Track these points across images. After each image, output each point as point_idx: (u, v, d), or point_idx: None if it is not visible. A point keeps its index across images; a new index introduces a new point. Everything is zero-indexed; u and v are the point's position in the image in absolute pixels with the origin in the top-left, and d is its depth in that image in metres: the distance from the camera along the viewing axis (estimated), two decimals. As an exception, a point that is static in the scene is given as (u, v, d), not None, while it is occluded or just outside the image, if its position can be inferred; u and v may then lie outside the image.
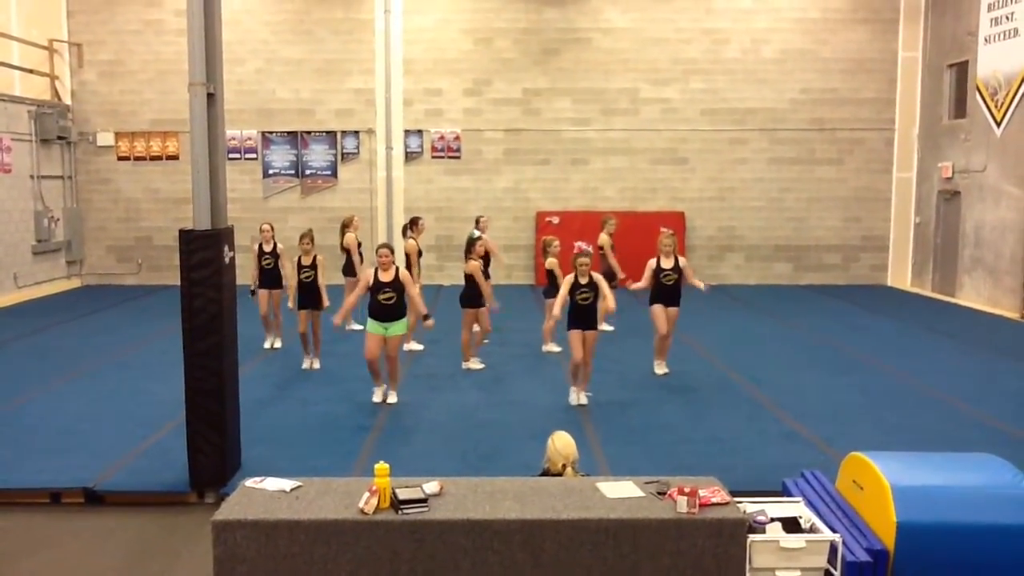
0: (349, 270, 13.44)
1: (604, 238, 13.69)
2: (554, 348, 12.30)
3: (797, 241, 20.28)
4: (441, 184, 20.03)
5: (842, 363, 11.98)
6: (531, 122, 19.90)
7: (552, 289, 11.95)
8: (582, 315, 9.55)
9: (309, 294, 11.28)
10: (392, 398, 9.76)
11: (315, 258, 11.33)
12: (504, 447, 8.30)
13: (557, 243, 12.19)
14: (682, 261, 10.92)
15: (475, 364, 11.45)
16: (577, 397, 9.69)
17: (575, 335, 9.53)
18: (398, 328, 9.58)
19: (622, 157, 20.00)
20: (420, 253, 13.15)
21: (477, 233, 12.95)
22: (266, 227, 12.39)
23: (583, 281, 9.48)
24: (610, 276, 13.35)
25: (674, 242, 10.95)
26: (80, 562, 6.23)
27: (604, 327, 13.48)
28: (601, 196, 20.03)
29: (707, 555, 4.72)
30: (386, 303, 9.38)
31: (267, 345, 12.58)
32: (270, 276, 12.28)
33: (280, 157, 19.98)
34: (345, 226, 13.71)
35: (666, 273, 10.77)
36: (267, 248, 12.27)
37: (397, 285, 9.41)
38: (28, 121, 18.08)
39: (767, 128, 19.92)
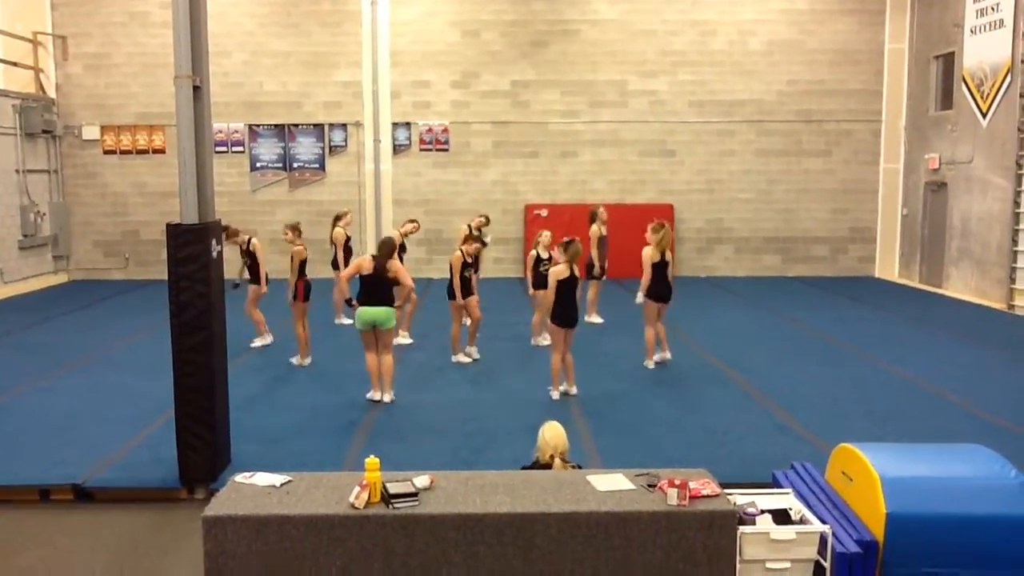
0: (336, 264, 13.42)
1: (595, 229, 13.60)
2: (543, 341, 12.27)
3: (786, 233, 20.34)
4: (429, 177, 19.99)
5: (831, 355, 12.02)
6: (519, 114, 19.87)
7: (540, 281, 11.88)
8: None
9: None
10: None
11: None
12: (495, 441, 8.30)
13: (548, 235, 12.16)
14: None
15: (464, 358, 11.43)
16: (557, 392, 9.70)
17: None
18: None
19: (611, 149, 20.00)
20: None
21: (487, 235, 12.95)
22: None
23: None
24: (590, 268, 13.35)
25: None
26: (70, 559, 6.20)
27: (594, 319, 13.55)
28: (590, 188, 20.02)
29: (698, 547, 4.74)
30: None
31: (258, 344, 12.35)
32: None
33: (267, 150, 19.89)
34: (337, 219, 13.69)
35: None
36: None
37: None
38: (13, 115, 17.93)
39: (755, 120, 19.95)
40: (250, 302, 12.09)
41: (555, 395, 9.66)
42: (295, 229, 11.54)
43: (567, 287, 9.39)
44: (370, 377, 9.53)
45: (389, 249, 9.43)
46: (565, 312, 9.47)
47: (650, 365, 11.07)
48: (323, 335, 12.57)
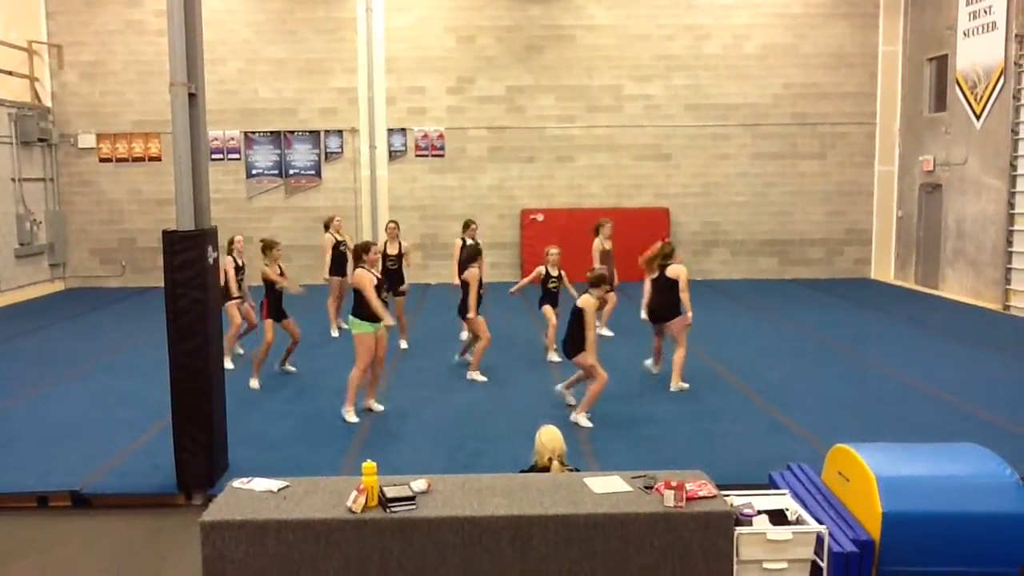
0: (330, 270, 13.33)
1: (597, 243, 12.91)
2: (555, 358, 11.65)
3: (781, 235, 20.37)
4: (425, 183, 20.01)
5: (827, 356, 12.05)
6: (515, 120, 19.90)
7: (547, 297, 11.69)
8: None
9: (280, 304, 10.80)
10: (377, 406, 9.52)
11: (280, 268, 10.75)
12: (492, 444, 8.31)
13: (557, 252, 11.76)
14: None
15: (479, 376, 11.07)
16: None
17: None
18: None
19: (606, 154, 20.03)
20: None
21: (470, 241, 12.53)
22: (239, 239, 11.74)
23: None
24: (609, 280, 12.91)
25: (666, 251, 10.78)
26: (68, 565, 6.20)
27: (604, 331, 13.06)
28: (586, 193, 20.06)
29: (694, 548, 4.75)
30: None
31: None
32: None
33: (263, 157, 19.91)
34: (326, 226, 13.64)
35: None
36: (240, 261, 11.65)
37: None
38: (8, 123, 17.94)
39: (750, 123, 19.99)
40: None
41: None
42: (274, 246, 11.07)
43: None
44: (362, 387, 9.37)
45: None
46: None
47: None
48: (318, 343, 12.57)
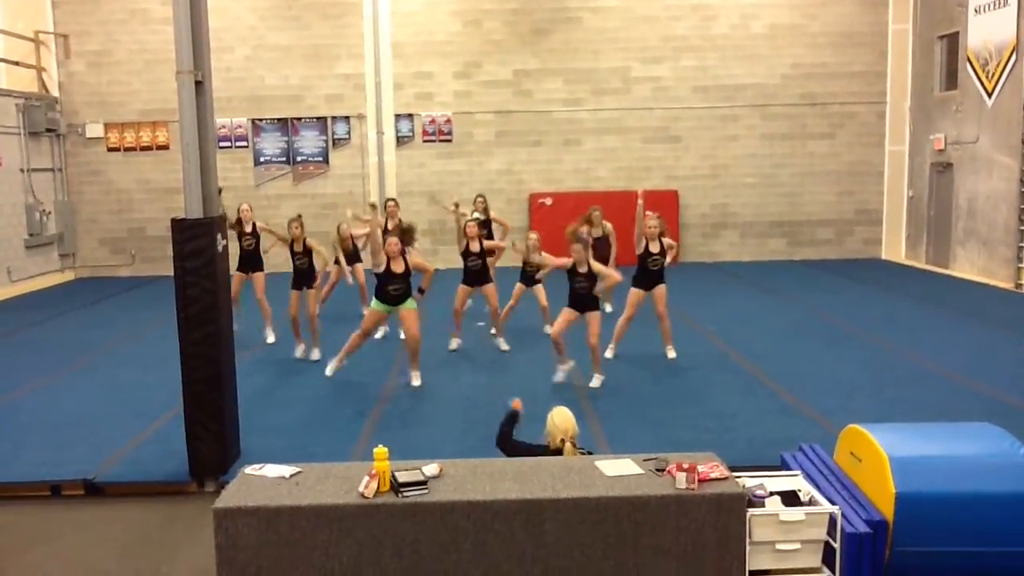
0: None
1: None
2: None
3: (791, 216, 20.27)
4: (433, 168, 19.97)
5: (838, 337, 12.00)
6: (522, 104, 19.83)
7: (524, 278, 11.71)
8: (579, 300, 9.52)
9: (301, 277, 11.12)
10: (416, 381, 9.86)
11: (305, 242, 11.02)
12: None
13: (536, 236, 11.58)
14: (667, 242, 10.79)
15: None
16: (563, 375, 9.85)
17: (569, 311, 9.58)
18: (409, 303, 9.77)
19: (615, 137, 19.95)
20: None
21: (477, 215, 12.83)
22: (246, 207, 12.41)
23: (581, 270, 9.36)
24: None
25: (660, 224, 10.77)
26: (81, 554, 6.24)
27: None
28: (594, 176, 19.99)
29: (707, 530, 4.74)
30: (394, 293, 9.64)
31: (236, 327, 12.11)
32: (250, 259, 12.23)
33: (271, 144, 19.89)
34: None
35: (654, 258, 10.58)
36: (247, 229, 12.21)
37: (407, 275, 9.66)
38: (16, 114, 17.96)
39: (758, 104, 19.87)
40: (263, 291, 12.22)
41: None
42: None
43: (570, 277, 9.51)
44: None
45: None
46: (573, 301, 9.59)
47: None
48: (328, 327, 12.57)
